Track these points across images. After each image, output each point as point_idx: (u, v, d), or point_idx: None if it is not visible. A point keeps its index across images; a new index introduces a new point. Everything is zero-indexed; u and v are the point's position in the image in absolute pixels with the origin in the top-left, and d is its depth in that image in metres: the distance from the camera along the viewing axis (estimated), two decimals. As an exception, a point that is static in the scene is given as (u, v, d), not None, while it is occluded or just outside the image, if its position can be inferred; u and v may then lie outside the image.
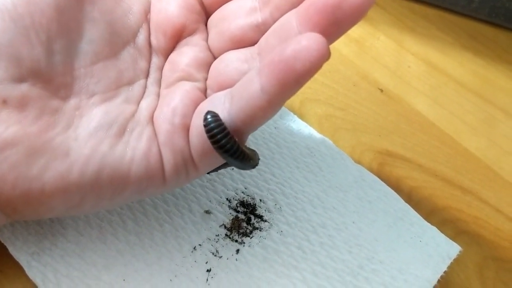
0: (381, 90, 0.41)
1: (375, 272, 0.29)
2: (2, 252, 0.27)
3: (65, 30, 0.24)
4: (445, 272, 0.30)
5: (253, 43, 0.26)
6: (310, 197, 0.32)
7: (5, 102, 0.22)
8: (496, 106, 0.41)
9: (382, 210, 0.32)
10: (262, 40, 0.25)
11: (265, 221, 0.31)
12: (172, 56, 0.27)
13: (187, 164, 0.25)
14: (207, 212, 0.30)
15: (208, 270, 0.28)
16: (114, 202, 0.25)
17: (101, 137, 0.23)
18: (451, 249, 0.31)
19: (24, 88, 0.22)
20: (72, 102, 0.24)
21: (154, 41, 0.27)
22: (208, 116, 0.22)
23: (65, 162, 0.22)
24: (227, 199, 0.31)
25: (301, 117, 0.37)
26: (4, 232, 0.27)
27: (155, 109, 0.25)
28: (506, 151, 0.38)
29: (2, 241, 0.27)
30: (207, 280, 0.28)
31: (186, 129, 0.24)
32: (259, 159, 0.26)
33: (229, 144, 0.22)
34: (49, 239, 0.28)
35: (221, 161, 0.24)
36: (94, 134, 0.23)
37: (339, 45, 0.43)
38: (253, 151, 0.25)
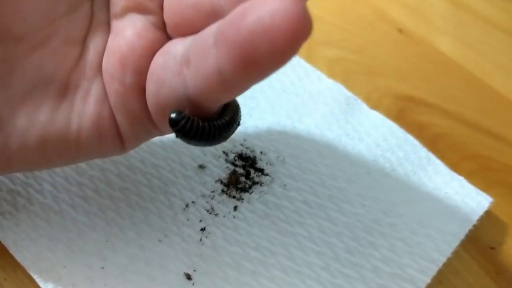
0: (400, 30, 0.37)
1: (392, 226, 0.25)
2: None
3: None
4: (474, 226, 0.26)
5: None
6: (318, 146, 0.28)
7: None
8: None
9: (402, 158, 0.28)
10: None
11: (266, 174, 0.27)
12: None
13: (147, 127, 0.21)
14: (201, 166, 0.27)
15: (202, 229, 0.25)
16: (71, 163, 0.22)
17: (37, 102, 0.19)
18: (481, 201, 0.27)
19: None
20: None
21: None
22: (173, 116, 0.18)
23: None
24: (223, 152, 0.28)
25: (309, 61, 0.33)
26: (-30, 190, 0.25)
27: (104, 50, 0.20)
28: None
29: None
30: (201, 239, 0.25)
31: (141, 88, 0.20)
32: (238, 124, 0.21)
33: (202, 136, 0.19)
34: (23, 195, 0.25)
35: None
36: (28, 97, 0.19)
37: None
38: (229, 122, 0.20)
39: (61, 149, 0.20)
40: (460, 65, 0.35)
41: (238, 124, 0.21)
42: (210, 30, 0.16)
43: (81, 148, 0.20)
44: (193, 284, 0.24)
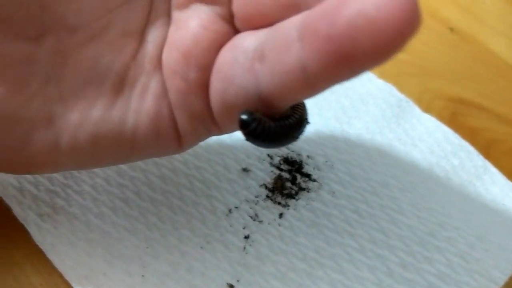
0: (452, 29, 0.35)
1: (449, 240, 0.24)
2: (8, 213, 0.23)
3: None
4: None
5: None
6: (369, 151, 0.27)
7: None
8: None
9: (457, 167, 0.26)
10: None
11: (314, 180, 0.26)
12: None
13: (208, 125, 0.19)
14: (245, 169, 0.26)
15: (246, 237, 0.24)
16: (123, 162, 0.20)
17: (92, 97, 0.18)
18: (543, 214, 0.25)
19: None
20: (48, 43, 0.17)
21: None
22: (244, 118, 0.17)
23: (49, 131, 0.18)
24: (268, 155, 0.26)
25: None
26: (8, 190, 0.23)
27: (164, 43, 0.19)
28: None
29: (6, 201, 0.23)
30: (244, 248, 0.24)
31: (205, 85, 0.18)
32: (308, 122, 0.20)
33: (274, 138, 0.17)
34: (62, 197, 0.24)
35: None
36: (82, 92, 0.18)
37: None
38: (298, 119, 0.19)
39: (114, 147, 0.19)
40: (516, 68, 0.33)
41: (308, 122, 0.19)
42: (293, 23, 0.15)
43: (136, 147, 0.19)
44: (237, 296, 0.22)
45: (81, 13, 0.17)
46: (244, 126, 0.17)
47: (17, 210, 0.23)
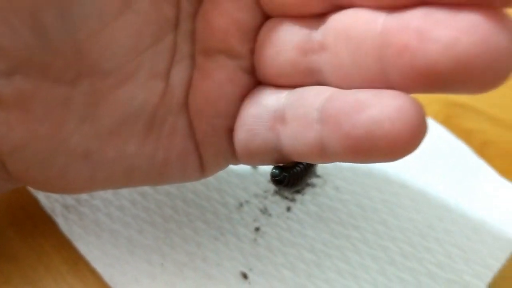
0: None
1: (446, 232, 0.25)
2: (36, 205, 0.25)
3: None
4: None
5: (322, 13, 0.17)
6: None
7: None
8: None
9: (453, 165, 0.28)
10: (333, 40, 0.16)
11: (319, 176, 0.27)
12: (206, 3, 0.19)
13: (231, 160, 0.21)
14: (254, 166, 0.27)
15: (257, 229, 0.25)
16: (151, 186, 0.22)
17: (126, 135, 0.19)
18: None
19: (17, 81, 0.17)
20: (83, 86, 0.18)
21: None
22: (276, 174, 0.20)
23: (85, 165, 0.19)
24: (276, 152, 0.28)
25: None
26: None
27: (189, 84, 0.20)
28: None
29: (34, 194, 0.25)
30: (255, 239, 0.25)
31: (229, 130, 0.19)
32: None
33: (299, 184, 0.21)
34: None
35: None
36: (117, 131, 0.19)
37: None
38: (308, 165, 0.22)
39: (145, 177, 0.20)
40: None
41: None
42: (314, 102, 0.17)
43: (164, 177, 0.20)
44: (249, 283, 0.24)
45: (113, 58, 0.18)
46: (276, 182, 0.20)
47: (44, 202, 0.24)
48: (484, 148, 0.31)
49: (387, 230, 0.25)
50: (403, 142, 0.14)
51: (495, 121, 0.32)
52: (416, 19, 0.14)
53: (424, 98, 0.33)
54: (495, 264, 0.24)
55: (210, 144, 0.20)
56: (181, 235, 0.25)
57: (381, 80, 0.15)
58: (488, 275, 0.24)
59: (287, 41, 0.18)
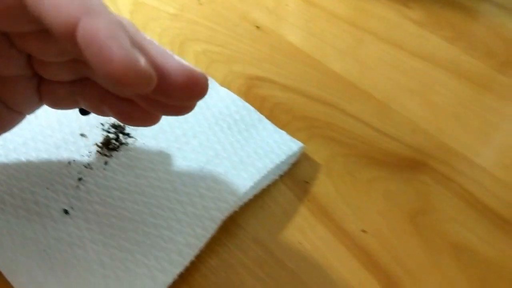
0: (258, 27, 0.45)
1: (219, 165, 0.34)
2: None
3: None
4: (292, 165, 0.35)
5: None
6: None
7: None
8: (366, 31, 0.46)
9: (238, 120, 0.37)
10: None
11: (132, 137, 0.36)
12: None
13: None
14: (82, 135, 0.36)
15: (80, 179, 0.34)
16: None
17: None
18: (293, 145, 0.35)
19: None
20: None
21: None
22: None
23: None
24: (101, 123, 0.36)
25: (180, 54, 0.42)
26: None
27: None
28: (369, 67, 0.43)
29: None
30: (77, 186, 0.33)
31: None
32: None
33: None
34: None
35: None
36: None
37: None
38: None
39: None
40: (304, 52, 0.44)
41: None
42: None
43: None
44: (70, 217, 0.32)
45: None
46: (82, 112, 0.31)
47: None
48: (274, 109, 0.40)
49: (176, 168, 0.34)
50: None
51: (286, 88, 0.41)
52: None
53: (232, 76, 0.42)
54: (250, 183, 0.33)
55: None
56: (20, 188, 0.33)
57: None
58: (241, 191, 0.32)
59: None
